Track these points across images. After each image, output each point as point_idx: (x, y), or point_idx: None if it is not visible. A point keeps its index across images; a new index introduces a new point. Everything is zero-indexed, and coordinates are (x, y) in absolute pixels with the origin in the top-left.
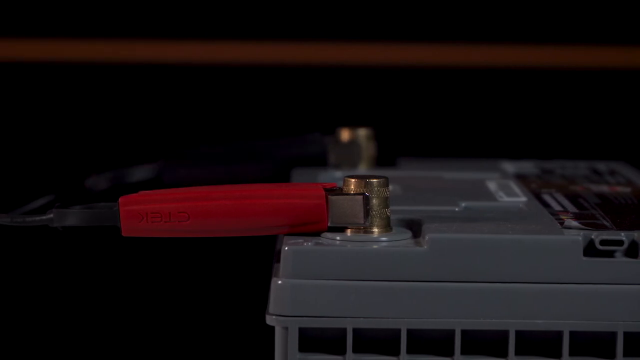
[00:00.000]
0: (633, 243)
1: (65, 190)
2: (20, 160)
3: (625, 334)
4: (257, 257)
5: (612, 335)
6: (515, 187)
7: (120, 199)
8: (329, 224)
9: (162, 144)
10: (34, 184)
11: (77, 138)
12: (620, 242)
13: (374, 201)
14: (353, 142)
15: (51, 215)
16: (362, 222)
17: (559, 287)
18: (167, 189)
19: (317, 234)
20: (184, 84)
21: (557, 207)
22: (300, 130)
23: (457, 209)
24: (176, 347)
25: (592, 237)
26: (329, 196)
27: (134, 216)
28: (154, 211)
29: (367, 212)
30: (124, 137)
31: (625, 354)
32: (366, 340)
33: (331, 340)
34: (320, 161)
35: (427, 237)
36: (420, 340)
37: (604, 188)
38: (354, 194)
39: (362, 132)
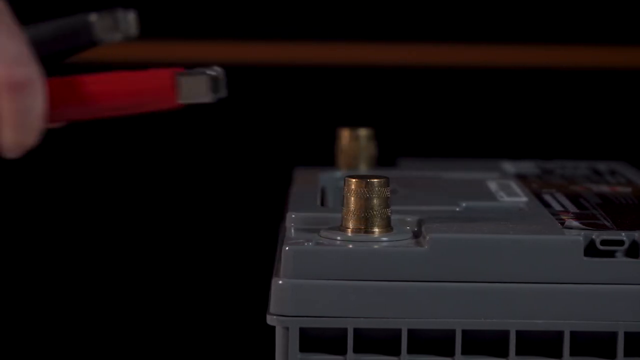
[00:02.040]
0: (634, 243)
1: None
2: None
3: (626, 334)
4: (258, 257)
5: (613, 335)
6: (515, 187)
7: None
8: (178, 101)
9: (162, 143)
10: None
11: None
12: (621, 242)
13: (375, 201)
14: (353, 142)
15: None
16: (209, 99)
17: (559, 287)
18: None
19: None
20: None
21: (558, 207)
22: (300, 130)
23: (457, 209)
24: (177, 347)
25: (593, 237)
26: (177, 75)
27: None
28: None
29: (213, 89)
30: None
31: (625, 354)
32: (367, 340)
33: (332, 340)
34: (321, 161)
35: (427, 237)
36: (420, 340)
37: (605, 188)
38: (199, 74)
39: (363, 132)
